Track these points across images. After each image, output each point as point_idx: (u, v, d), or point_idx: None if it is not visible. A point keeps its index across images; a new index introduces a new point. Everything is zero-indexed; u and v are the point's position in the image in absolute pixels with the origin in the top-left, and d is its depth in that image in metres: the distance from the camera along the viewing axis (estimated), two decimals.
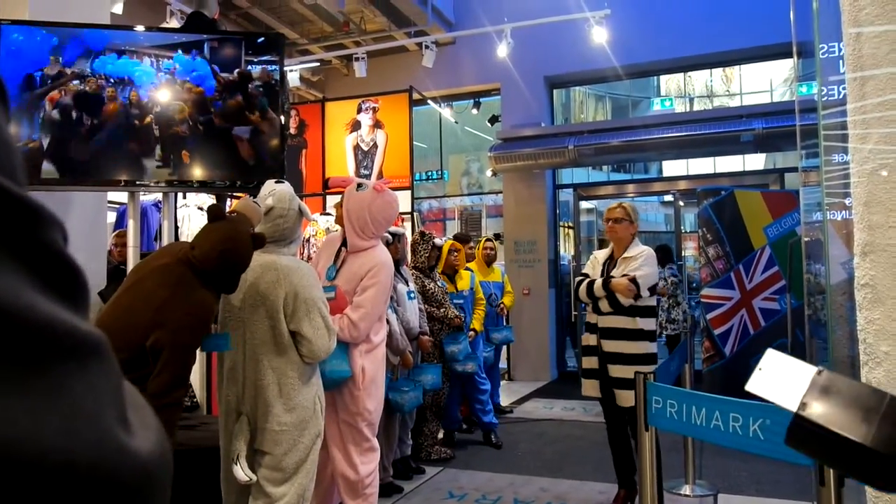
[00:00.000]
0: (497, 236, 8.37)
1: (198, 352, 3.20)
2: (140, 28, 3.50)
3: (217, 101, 3.40)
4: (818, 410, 0.67)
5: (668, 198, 9.25)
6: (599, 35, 6.70)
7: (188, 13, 4.49)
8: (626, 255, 3.54)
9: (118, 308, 2.21)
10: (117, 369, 0.33)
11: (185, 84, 3.36)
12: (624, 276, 3.45)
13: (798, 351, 5.28)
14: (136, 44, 3.35)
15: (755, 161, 9.40)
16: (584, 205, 9.37)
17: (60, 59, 3.18)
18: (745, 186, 7.05)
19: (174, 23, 5.71)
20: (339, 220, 3.25)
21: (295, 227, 2.59)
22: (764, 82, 13.76)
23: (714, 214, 5.93)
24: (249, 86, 3.43)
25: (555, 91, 8.74)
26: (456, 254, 5.13)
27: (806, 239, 3.68)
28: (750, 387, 0.75)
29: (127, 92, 3.27)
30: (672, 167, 12.30)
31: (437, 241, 4.75)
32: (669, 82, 15.60)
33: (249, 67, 3.46)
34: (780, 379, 0.73)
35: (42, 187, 3.13)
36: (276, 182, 2.64)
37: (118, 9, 5.11)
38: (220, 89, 3.40)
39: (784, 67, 11.47)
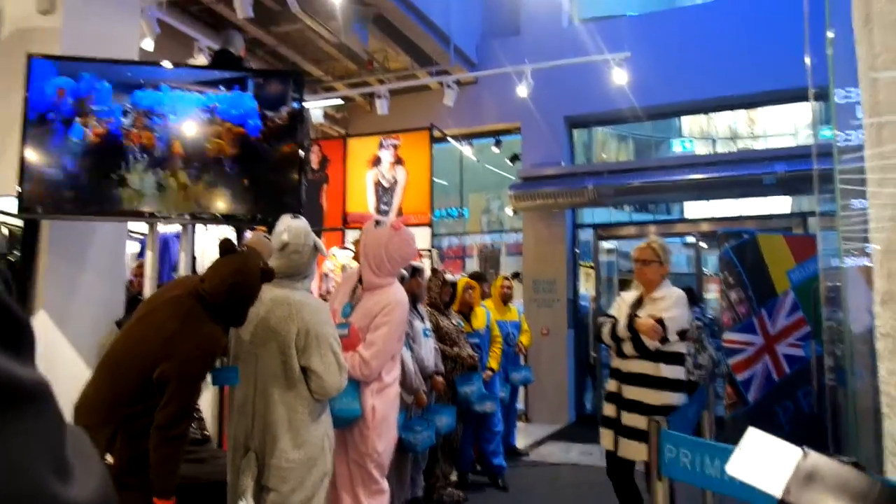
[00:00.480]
0: (516, 275, 8.34)
1: (209, 385, 3.21)
2: (167, 64, 3.59)
3: (262, 143, 3.41)
4: (803, 498, 0.63)
5: (690, 239, 9.17)
6: (619, 76, 6.75)
7: (216, 50, 4.62)
8: (654, 296, 3.33)
9: (129, 338, 2.23)
10: (59, 415, 0.33)
11: (224, 124, 3.38)
12: (650, 316, 3.23)
13: (822, 400, 5.15)
14: (178, 79, 3.42)
15: (781, 204, 9.32)
16: (605, 245, 9.32)
17: (93, 95, 3.26)
18: (767, 230, 6.98)
19: (201, 59, 5.86)
20: (356, 257, 3.27)
21: (309, 263, 2.60)
22: (788, 125, 13.73)
23: (736, 257, 5.87)
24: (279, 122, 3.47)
25: (575, 131, 8.78)
26: (471, 291, 5.12)
27: (828, 284, 3.61)
28: (730, 468, 0.72)
29: (162, 126, 3.34)
30: (695, 208, 12.23)
31: (449, 276, 4.75)
32: (692, 123, 15.61)
33: (293, 105, 3.48)
34: (763, 460, 0.69)
35: (60, 217, 3.20)
36: (292, 217, 2.66)
37: (148, 45, 5.26)
38: (266, 133, 3.42)
39: (808, 110, 11.44)
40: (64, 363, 3.27)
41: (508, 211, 9.09)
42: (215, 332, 2.21)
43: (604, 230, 8.87)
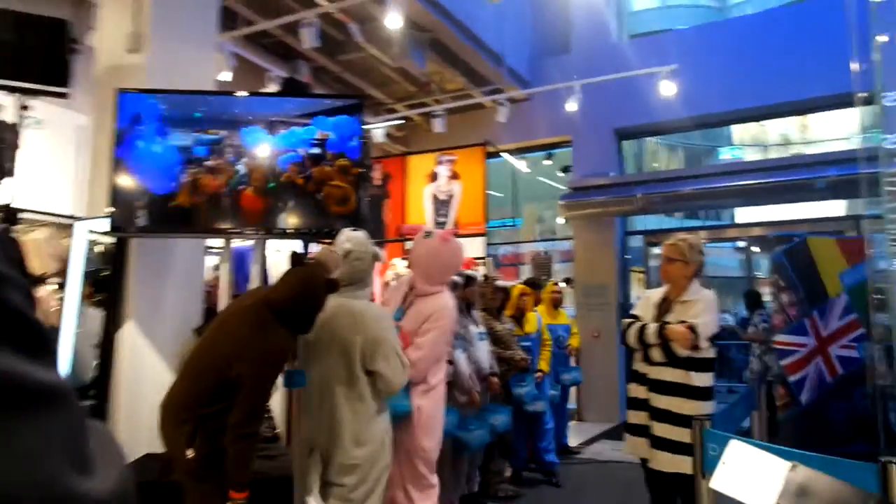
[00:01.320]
0: (567, 280, 8.24)
1: (280, 387, 3.29)
2: (242, 94, 3.70)
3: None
4: None
5: (741, 244, 8.85)
6: (668, 88, 6.60)
7: (284, 78, 4.76)
8: (683, 298, 3.07)
9: (207, 344, 2.31)
10: (78, 413, 0.34)
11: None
12: (682, 322, 2.97)
13: (876, 401, 4.87)
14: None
15: (834, 208, 8.89)
16: (655, 251, 9.11)
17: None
18: (818, 233, 6.66)
19: (272, 88, 6.04)
20: (409, 265, 3.29)
21: (369, 271, 2.64)
22: (842, 129, 13.09)
23: (787, 261, 5.62)
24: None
25: (625, 142, 8.63)
26: (525, 298, 5.08)
27: (876, 286, 3.41)
28: (715, 483, 0.68)
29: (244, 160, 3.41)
30: (746, 213, 11.80)
31: (501, 283, 4.73)
32: (743, 131, 15.06)
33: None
34: (749, 474, 0.65)
35: (146, 235, 3.34)
36: (351, 230, 2.71)
37: (226, 76, 5.47)
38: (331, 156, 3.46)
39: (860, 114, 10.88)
40: (150, 368, 3.41)
41: (560, 220, 8.98)
42: (284, 338, 2.26)
43: (654, 236, 8.68)
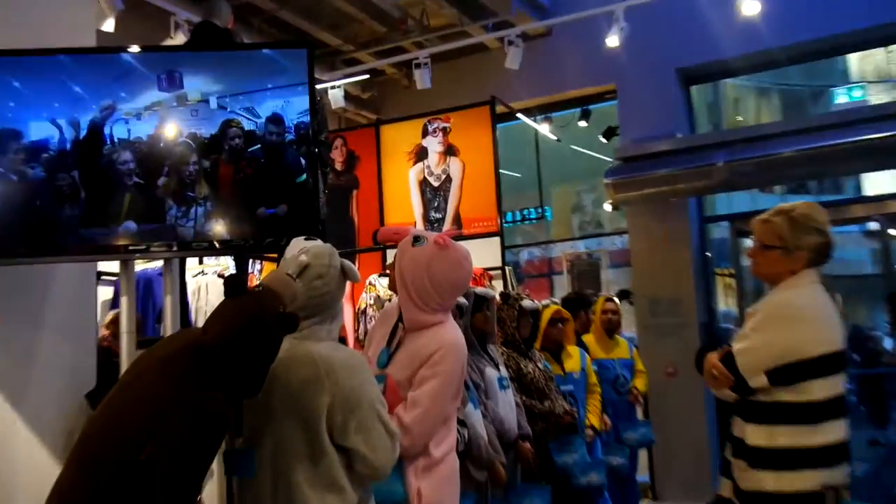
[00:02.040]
0: (624, 294, 8.23)
1: (213, 474, 3.25)
2: (134, 49, 3.70)
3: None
4: None
5: (873, 225, 8.84)
6: (750, 6, 6.61)
7: (195, 23, 4.76)
8: (752, 308, 2.99)
9: (109, 413, 2.28)
10: None
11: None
12: (723, 349, 2.93)
13: None
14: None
15: None
16: (749, 243, 9.10)
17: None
18: None
19: (180, 37, 6.04)
20: (392, 286, 3.28)
21: (337, 295, 2.62)
22: None
23: None
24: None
25: (694, 88, 8.63)
26: (561, 325, 5.06)
27: None
28: None
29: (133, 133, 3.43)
30: (878, 181, 11.79)
31: (527, 303, 4.71)
32: (865, 63, 15.08)
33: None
34: None
35: (5, 262, 3.33)
36: (306, 239, 2.69)
37: (109, 26, 5.47)
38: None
39: None
40: (23, 456, 3.38)
41: (607, 206, 8.98)
42: (214, 402, 2.22)
43: (745, 222, 8.64)
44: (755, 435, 2.82)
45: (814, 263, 2.92)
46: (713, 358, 2.91)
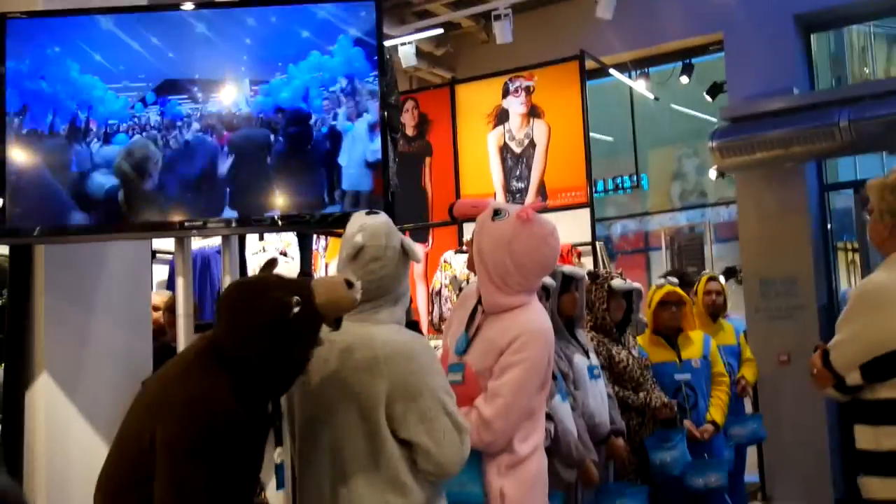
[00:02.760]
0: (731, 272, 8.12)
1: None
2: (189, 6, 3.76)
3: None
4: None
5: None
6: None
7: None
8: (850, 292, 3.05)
9: (133, 406, 2.39)
10: None
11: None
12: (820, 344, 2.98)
13: None
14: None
15: None
16: None
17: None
18: None
19: None
20: (470, 265, 3.30)
21: (398, 276, 2.62)
22: None
23: None
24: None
25: (814, 36, 8.42)
26: (676, 309, 4.99)
27: None
28: None
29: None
30: None
31: (618, 283, 4.67)
32: None
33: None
34: None
35: (61, 239, 3.45)
36: (367, 214, 2.71)
37: None
38: None
39: None
40: (76, 440, 3.52)
41: (712, 174, 8.83)
42: (217, 390, 2.24)
43: None
44: (862, 437, 2.81)
45: None
46: (815, 356, 2.91)
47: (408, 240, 2.66)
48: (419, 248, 2.75)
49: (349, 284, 2.29)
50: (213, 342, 2.29)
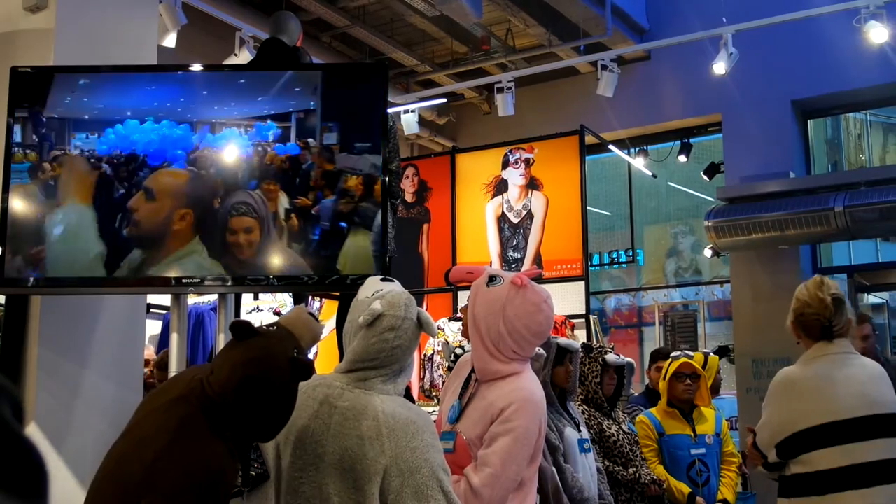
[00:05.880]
0: (723, 351, 8.10)
1: None
2: (196, 67, 3.85)
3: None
4: None
5: None
6: (878, 34, 6.53)
7: (262, 40, 4.92)
8: None
9: (111, 460, 2.34)
10: None
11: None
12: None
13: None
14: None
15: None
16: (871, 299, 8.90)
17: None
18: None
19: (245, 55, 6.23)
20: (465, 331, 3.30)
21: (410, 349, 2.59)
22: None
23: None
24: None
25: (811, 123, 8.54)
26: (690, 381, 4.98)
27: None
28: None
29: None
30: None
31: (612, 357, 4.69)
32: None
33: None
34: None
35: (58, 291, 3.46)
36: (382, 280, 2.69)
37: (170, 41, 5.68)
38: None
39: None
40: (60, 492, 3.47)
41: (707, 251, 8.88)
42: (214, 453, 2.22)
43: (866, 275, 8.48)
44: None
45: (813, 337, 3.32)
46: (749, 438, 3.31)
47: (424, 313, 2.63)
48: (433, 323, 2.73)
49: (314, 317, 2.44)
50: (200, 397, 2.28)
